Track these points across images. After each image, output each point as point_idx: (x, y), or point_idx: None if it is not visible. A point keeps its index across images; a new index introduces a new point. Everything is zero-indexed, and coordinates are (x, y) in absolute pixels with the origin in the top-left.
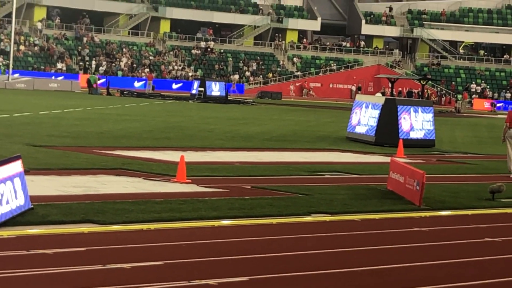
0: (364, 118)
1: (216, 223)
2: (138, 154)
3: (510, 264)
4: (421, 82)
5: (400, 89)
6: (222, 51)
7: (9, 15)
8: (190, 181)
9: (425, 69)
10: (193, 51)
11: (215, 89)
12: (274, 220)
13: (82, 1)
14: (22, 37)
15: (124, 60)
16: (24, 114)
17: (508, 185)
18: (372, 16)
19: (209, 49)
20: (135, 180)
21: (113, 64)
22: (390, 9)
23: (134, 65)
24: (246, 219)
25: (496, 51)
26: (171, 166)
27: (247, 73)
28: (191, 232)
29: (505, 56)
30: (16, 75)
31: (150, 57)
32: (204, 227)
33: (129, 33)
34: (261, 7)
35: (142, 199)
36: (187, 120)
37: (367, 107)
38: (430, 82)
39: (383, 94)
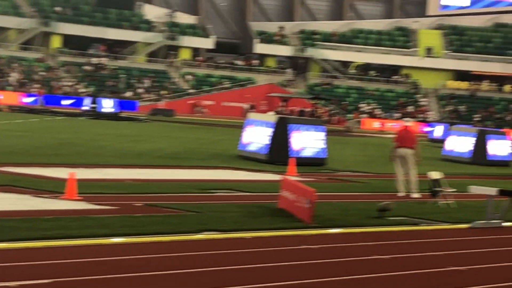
0: (256, 136)
1: (106, 240)
2: (27, 170)
3: (398, 281)
4: (313, 101)
5: (293, 107)
6: (114, 67)
7: None
8: (80, 198)
9: (317, 88)
10: (85, 67)
11: (107, 105)
12: (165, 238)
13: None
14: None
15: (14, 75)
16: None
17: (396, 204)
18: (265, 35)
19: (101, 65)
20: (23, 197)
21: (2, 79)
22: (281, 28)
23: (25, 80)
24: (137, 237)
25: (386, 71)
26: (61, 183)
27: (140, 90)
28: (80, 249)
29: (394, 77)
30: None
31: (41, 73)
32: (94, 245)
33: (19, 48)
34: (154, 24)
35: (31, 216)
36: (78, 136)
37: (259, 125)
38: (321, 101)
39: (277, 112)
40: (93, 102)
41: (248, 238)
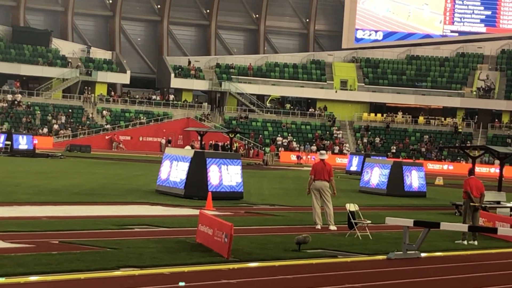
0: (174, 171)
1: (22, 279)
2: None
3: None
4: (230, 135)
5: (211, 141)
6: (30, 103)
7: None
8: None
9: (234, 122)
10: (0, 104)
11: (23, 142)
12: (82, 275)
13: None
14: None
15: None
16: None
17: (314, 236)
18: (180, 69)
19: (16, 101)
20: None
21: None
22: (189, 63)
23: None
24: (54, 275)
25: (302, 104)
26: None
27: (56, 126)
28: None
29: (310, 110)
30: None
31: None
32: (10, 284)
33: None
34: (69, 60)
35: None
36: None
37: (176, 160)
38: (238, 135)
39: (192, 147)
40: (8, 139)
41: (166, 274)
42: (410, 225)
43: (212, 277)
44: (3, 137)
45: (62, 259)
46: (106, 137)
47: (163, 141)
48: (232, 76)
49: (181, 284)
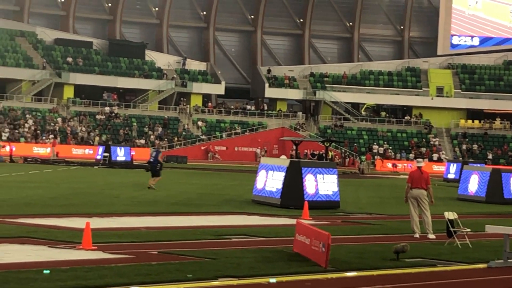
0: (269, 180)
1: None
2: (43, 221)
3: None
4: (325, 144)
5: (306, 151)
6: (127, 115)
7: None
8: (95, 247)
9: (329, 131)
10: (98, 116)
11: (120, 154)
12: (181, 285)
13: None
14: None
15: (28, 126)
16: None
17: (412, 245)
18: (275, 79)
19: (113, 114)
20: (39, 248)
21: (16, 130)
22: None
23: (38, 131)
24: (153, 285)
25: (397, 112)
26: (77, 233)
27: (152, 137)
28: None
29: (405, 117)
30: None
31: (54, 123)
32: None
33: (32, 99)
34: (165, 72)
35: (47, 267)
36: (92, 186)
37: (272, 169)
38: (333, 144)
39: (290, 156)
40: (106, 151)
41: (264, 283)
42: (510, 233)
43: (311, 286)
44: (101, 149)
45: (161, 269)
46: (202, 148)
47: (258, 151)
48: (326, 85)
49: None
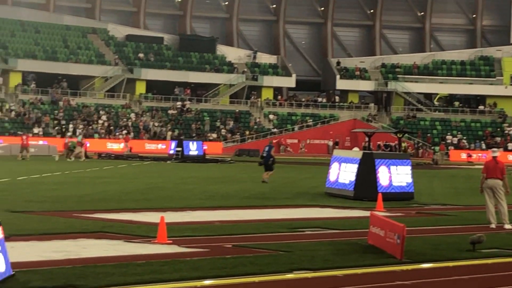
0: (342, 173)
1: (198, 283)
2: (118, 216)
3: None
4: (398, 135)
5: (378, 142)
6: (198, 110)
7: None
8: (170, 241)
9: (401, 122)
10: (170, 111)
11: (193, 148)
12: (256, 278)
13: (57, 65)
14: None
15: (101, 122)
16: (1, 180)
17: (488, 236)
18: (346, 71)
19: (185, 108)
20: (115, 243)
21: (90, 127)
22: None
23: (111, 127)
24: (228, 279)
25: (471, 102)
26: (152, 227)
27: (224, 132)
28: None
29: (479, 107)
30: None
31: (128, 119)
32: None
33: (105, 96)
34: (235, 66)
35: (124, 261)
36: (165, 180)
37: (344, 162)
38: (406, 135)
39: (363, 148)
40: (179, 146)
41: (340, 276)
42: None
43: (386, 278)
44: (174, 143)
45: (236, 263)
46: (274, 141)
47: (330, 143)
48: (398, 76)
49: None
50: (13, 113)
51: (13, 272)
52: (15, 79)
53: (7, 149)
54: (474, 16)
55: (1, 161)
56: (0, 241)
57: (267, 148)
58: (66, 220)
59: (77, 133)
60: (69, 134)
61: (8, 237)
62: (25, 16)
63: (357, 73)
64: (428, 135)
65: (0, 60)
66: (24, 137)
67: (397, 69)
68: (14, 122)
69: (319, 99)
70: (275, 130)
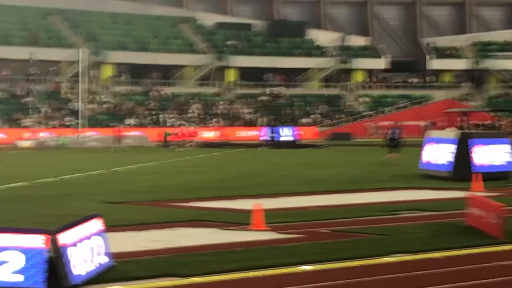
0: (437, 153)
1: (296, 269)
2: (213, 204)
3: None
4: (494, 113)
5: (473, 122)
6: (289, 95)
7: (77, 74)
8: (267, 228)
9: (496, 100)
10: (261, 98)
11: (285, 134)
12: (355, 263)
13: (148, 56)
14: (92, 96)
15: (193, 111)
16: (98, 171)
17: None
18: (437, 50)
19: (276, 94)
20: (212, 231)
21: (183, 116)
22: (453, 41)
23: (203, 115)
24: (327, 263)
25: None
26: (247, 214)
27: (315, 116)
28: (272, 279)
29: None
30: (90, 133)
31: (219, 107)
32: (285, 274)
33: (196, 84)
34: (326, 49)
35: (221, 249)
36: (259, 167)
37: (440, 142)
38: (502, 113)
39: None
40: (271, 132)
41: (439, 258)
42: None
43: (485, 259)
44: (266, 130)
45: (334, 248)
46: (365, 124)
47: (424, 124)
48: (491, 53)
49: None
50: (106, 105)
51: (114, 263)
52: (106, 71)
53: (102, 140)
54: None
55: (96, 152)
56: (100, 232)
57: (395, 131)
58: (163, 210)
59: (177, 123)
60: (182, 124)
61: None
62: (115, 8)
63: (449, 52)
64: None
65: (91, 52)
66: (118, 128)
67: (490, 47)
68: (108, 114)
69: (412, 80)
70: (367, 112)
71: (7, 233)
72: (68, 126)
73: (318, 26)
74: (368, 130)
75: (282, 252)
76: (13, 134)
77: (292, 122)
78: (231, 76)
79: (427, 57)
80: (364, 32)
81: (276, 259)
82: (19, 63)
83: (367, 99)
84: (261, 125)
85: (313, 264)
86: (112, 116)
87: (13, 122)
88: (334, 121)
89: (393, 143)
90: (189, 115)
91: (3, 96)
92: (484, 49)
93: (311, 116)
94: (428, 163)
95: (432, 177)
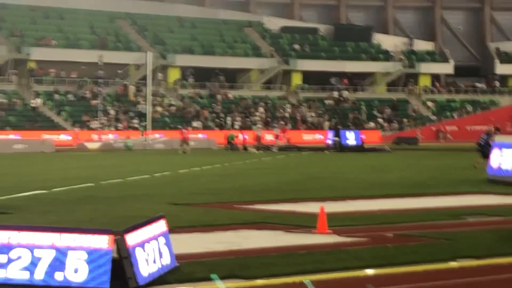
0: (505, 159)
1: (360, 272)
2: (278, 207)
3: None
4: None
5: None
6: (355, 99)
7: (144, 77)
8: (331, 231)
9: None
10: (326, 101)
11: (350, 138)
12: (419, 267)
13: (214, 59)
14: (159, 98)
15: (259, 114)
16: (164, 173)
17: None
18: (505, 55)
19: (342, 98)
20: (276, 233)
21: (248, 119)
22: None
23: (269, 119)
24: (390, 268)
25: None
26: (311, 217)
27: (381, 120)
28: (336, 283)
29: None
30: (156, 136)
31: (284, 110)
32: (348, 277)
33: (261, 88)
34: (392, 54)
35: (285, 252)
36: (324, 170)
37: (507, 147)
38: None
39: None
40: (336, 135)
41: (505, 264)
42: None
43: None
44: (331, 133)
45: (397, 252)
46: (433, 128)
47: (487, 129)
48: None
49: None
50: (173, 107)
51: (178, 264)
52: (173, 75)
53: (168, 143)
54: None
55: (162, 155)
56: (164, 233)
57: (485, 136)
58: (228, 212)
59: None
60: (258, 126)
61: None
62: (182, 12)
63: None
64: None
65: (159, 56)
66: (184, 130)
67: None
68: (174, 116)
69: (478, 85)
70: (433, 117)
71: (73, 233)
72: (136, 129)
73: (385, 30)
74: (438, 135)
75: (345, 255)
76: (81, 136)
77: (357, 126)
78: (297, 79)
79: (496, 61)
80: (430, 36)
81: (339, 263)
82: (87, 66)
83: (432, 104)
84: (327, 129)
85: (376, 268)
86: (178, 119)
87: (82, 124)
88: (399, 125)
89: (481, 148)
90: (254, 118)
91: (72, 99)
92: None
93: (377, 120)
94: (497, 169)
95: (501, 182)
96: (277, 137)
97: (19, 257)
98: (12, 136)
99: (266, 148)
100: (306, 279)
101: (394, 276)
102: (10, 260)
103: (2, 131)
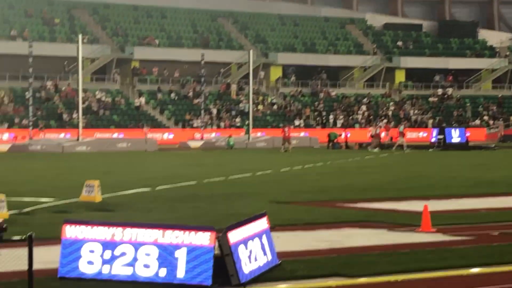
0: None
1: (465, 271)
2: (381, 205)
3: None
4: None
5: None
6: (460, 96)
7: (246, 76)
8: (435, 230)
9: None
10: (430, 99)
11: (455, 135)
12: None
13: (316, 57)
14: (260, 97)
15: (361, 112)
16: (266, 172)
17: None
18: None
19: (446, 95)
20: (379, 232)
21: (350, 117)
22: None
23: (371, 116)
24: (496, 267)
25: None
26: (415, 216)
27: (487, 118)
28: (440, 281)
29: None
30: (258, 134)
31: (387, 108)
32: (453, 276)
33: (364, 86)
34: (498, 50)
35: (388, 250)
36: (428, 168)
37: None
38: None
39: None
40: (440, 133)
41: None
42: None
43: None
44: (435, 131)
45: (503, 251)
46: None
47: None
48: None
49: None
50: (275, 106)
51: (280, 261)
52: (275, 73)
53: (270, 141)
54: None
55: (264, 153)
56: (266, 231)
57: None
58: (330, 210)
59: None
60: (381, 123)
61: (273, 227)
62: (283, 10)
63: None
64: None
65: (260, 54)
66: (286, 129)
67: None
68: (276, 115)
69: None
70: None
71: (177, 230)
72: (238, 127)
73: (490, 26)
74: None
75: (450, 254)
76: (184, 134)
77: (463, 123)
78: (400, 77)
79: None
80: None
81: (443, 261)
82: (190, 64)
83: None
84: (431, 127)
85: (481, 267)
86: (279, 117)
87: (185, 123)
88: (506, 122)
89: None
90: (357, 116)
91: (175, 98)
92: None
93: (483, 117)
94: None
95: None
96: (403, 135)
97: (123, 254)
98: (115, 135)
99: (388, 147)
100: (409, 277)
101: (499, 274)
102: (114, 257)
103: (106, 129)
